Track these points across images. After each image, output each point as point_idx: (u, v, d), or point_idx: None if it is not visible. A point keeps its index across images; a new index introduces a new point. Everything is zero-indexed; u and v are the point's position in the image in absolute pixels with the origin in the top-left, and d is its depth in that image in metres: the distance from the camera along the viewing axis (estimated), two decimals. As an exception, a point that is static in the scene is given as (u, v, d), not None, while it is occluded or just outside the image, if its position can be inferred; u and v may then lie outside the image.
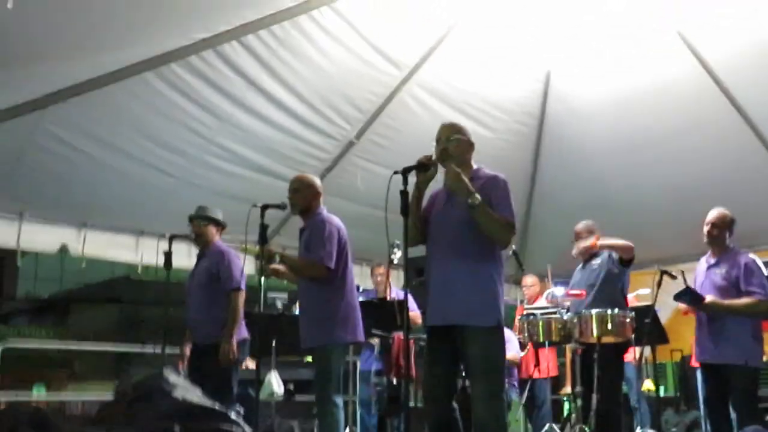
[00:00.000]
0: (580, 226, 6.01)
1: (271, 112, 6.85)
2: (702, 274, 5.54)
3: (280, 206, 4.72)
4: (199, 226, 5.53)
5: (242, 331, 5.36)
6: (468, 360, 3.82)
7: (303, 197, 4.87)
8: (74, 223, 7.08)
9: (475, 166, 4.13)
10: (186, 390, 2.74)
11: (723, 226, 5.44)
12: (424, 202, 4.09)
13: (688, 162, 7.53)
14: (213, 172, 7.05)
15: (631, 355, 6.44)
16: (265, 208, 4.60)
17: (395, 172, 3.73)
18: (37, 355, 14.14)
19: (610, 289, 5.68)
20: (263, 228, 4.54)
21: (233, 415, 2.67)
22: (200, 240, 5.54)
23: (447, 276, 3.88)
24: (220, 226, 5.60)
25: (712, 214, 5.50)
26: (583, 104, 7.70)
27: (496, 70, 7.31)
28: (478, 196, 3.78)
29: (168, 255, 5.39)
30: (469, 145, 4.13)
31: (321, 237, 4.66)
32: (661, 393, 8.47)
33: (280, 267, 4.82)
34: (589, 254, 5.93)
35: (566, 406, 7.96)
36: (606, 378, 5.49)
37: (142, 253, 7.29)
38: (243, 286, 5.41)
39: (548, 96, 7.77)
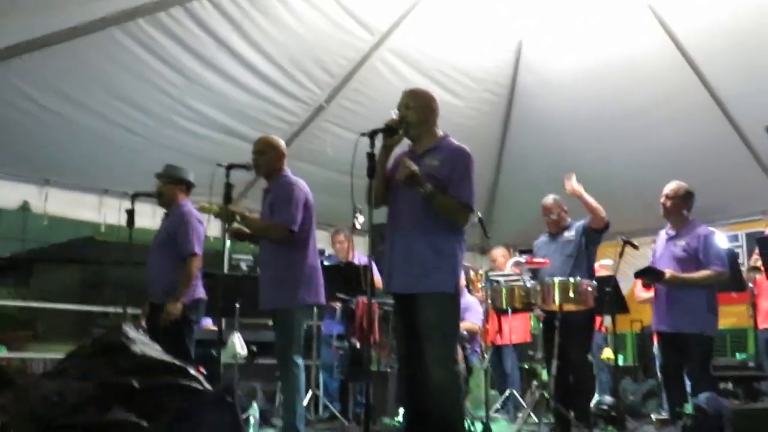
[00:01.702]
0: (549, 200, 6.03)
1: (241, 74, 6.79)
2: (662, 245, 5.62)
3: (246, 166, 4.67)
4: (164, 185, 5.44)
5: (197, 292, 5.29)
6: (425, 326, 3.84)
7: (267, 159, 4.82)
8: (37, 180, 6.96)
9: (441, 134, 4.09)
10: (145, 345, 2.73)
11: (678, 198, 5.50)
12: (390, 164, 4.07)
13: (656, 136, 7.62)
14: (180, 133, 6.97)
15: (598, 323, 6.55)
16: (230, 167, 4.55)
17: (362, 134, 3.73)
18: (-1, 317, 14.01)
19: (585, 262, 5.76)
20: (228, 188, 4.49)
21: (191, 370, 2.66)
22: (163, 199, 5.45)
23: (406, 243, 3.90)
24: (185, 186, 5.50)
25: (668, 187, 5.57)
26: (553, 75, 7.73)
27: (468, 38, 7.31)
28: (429, 186, 3.78)
29: (131, 213, 5.30)
30: (430, 112, 4.07)
31: (286, 199, 4.62)
32: (621, 362, 8.62)
33: (243, 228, 4.78)
34: (560, 227, 5.96)
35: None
36: (575, 347, 5.58)
37: (106, 212, 7.21)
38: (199, 251, 5.30)
39: (519, 66, 7.79)
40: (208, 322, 7.10)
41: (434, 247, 3.86)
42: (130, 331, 2.76)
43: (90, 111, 6.46)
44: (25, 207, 7.02)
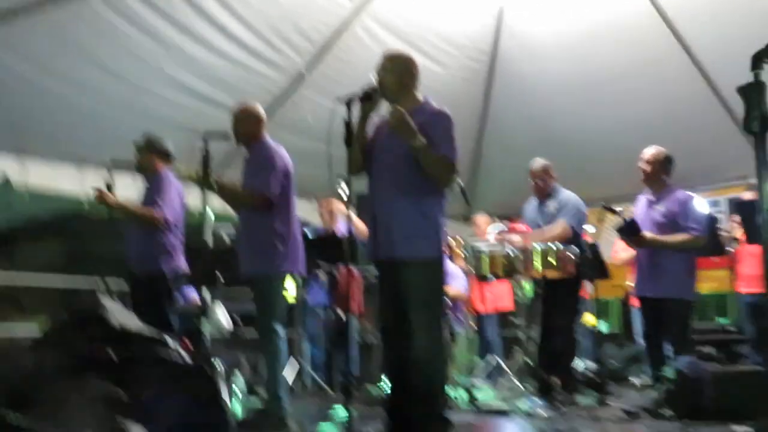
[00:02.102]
0: (536, 166, 6.04)
1: (219, 41, 6.68)
2: (642, 211, 5.64)
3: (224, 135, 4.60)
4: (143, 155, 5.38)
5: (179, 262, 5.27)
6: (409, 292, 3.83)
7: (245, 127, 4.77)
8: (15, 151, 6.86)
9: (421, 99, 4.06)
10: (122, 315, 2.72)
11: (657, 163, 5.52)
12: (369, 131, 4.04)
13: (636, 101, 7.61)
14: (157, 101, 6.85)
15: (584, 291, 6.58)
16: (207, 137, 4.49)
17: (338, 99, 3.70)
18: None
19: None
20: (206, 157, 4.44)
21: (169, 341, 2.65)
22: (143, 169, 5.40)
23: (389, 208, 3.87)
24: (164, 156, 5.43)
25: (646, 152, 5.58)
26: (535, 41, 7.68)
27: (449, 3, 7.24)
28: (421, 138, 3.75)
29: (109, 188, 5.23)
30: (409, 76, 4.04)
31: (263, 166, 4.58)
32: (605, 329, 8.69)
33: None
34: (545, 193, 5.97)
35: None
36: (561, 313, 5.63)
37: (87, 184, 7.10)
38: (169, 215, 5.24)
39: (500, 32, 7.73)
40: (195, 297, 7.08)
41: (417, 211, 3.84)
42: (107, 301, 2.74)
43: (65, 79, 6.32)
44: (4, 180, 6.93)
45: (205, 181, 4.47)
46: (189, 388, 2.53)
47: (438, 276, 3.94)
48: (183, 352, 2.67)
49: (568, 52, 7.49)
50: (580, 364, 6.54)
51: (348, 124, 3.69)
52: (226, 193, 4.68)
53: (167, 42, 6.46)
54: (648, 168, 5.52)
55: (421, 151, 3.77)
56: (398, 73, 3.99)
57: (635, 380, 6.88)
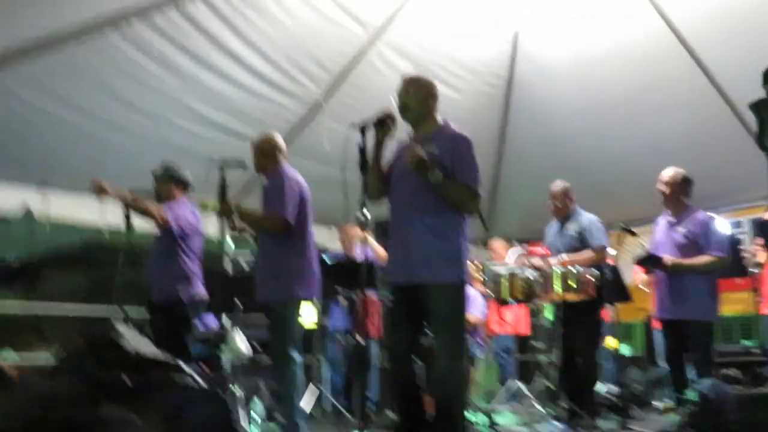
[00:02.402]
0: (556, 188, 6.04)
1: (236, 72, 6.77)
2: (662, 232, 5.60)
3: (240, 164, 4.66)
4: (161, 183, 5.44)
5: (197, 289, 5.30)
6: (431, 317, 3.81)
7: (264, 156, 4.84)
8: (37, 183, 6.95)
9: (441, 122, 4.07)
10: (136, 341, 2.73)
11: (675, 185, 5.49)
12: (388, 154, 4.05)
13: (654, 122, 7.58)
14: (177, 133, 6.95)
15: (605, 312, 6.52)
16: (224, 166, 4.54)
17: (352, 124, 3.74)
18: (5, 321, 13.96)
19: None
20: (223, 183, 4.49)
21: (184, 366, 2.66)
22: (161, 198, 5.45)
23: (409, 233, 3.86)
24: (182, 185, 5.49)
25: (665, 174, 5.56)
26: (550, 65, 7.70)
27: (464, 30, 7.29)
28: (438, 172, 3.76)
29: (128, 215, 5.29)
30: (430, 97, 4.05)
31: (280, 191, 4.63)
32: (627, 353, 8.59)
33: (244, 225, 4.81)
34: (565, 215, 5.95)
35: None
36: (581, 336, 5.58)
37: (107, 215, 7.17)
38: (180, 232, 5.30)
39: (516, 57, 7.76)
40: (214, 323, 7.10)
41: (438, 236, 3.83)
42: (121, 327, 2.76)
43: (85, 113, 6.44)
44: (26, 212, 7.03)
45: (224, 208, 4.51)
46: (204, 413, 2.53)
47: (459, 299, 3.90)
48: (198, 378, 2.67)
49: (584, 75, 7.50)
50: (602, 387, 6.47)
51: (362, 150, 3.72)
52: (245, 218, 4.71)
53: (185, 74, 6.55)
54: (667, 189, 5.49)
55: (441, 185, 3.79)
56: (420, 96, 4.02)
57: (658, 404, 6.78)
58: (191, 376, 2.64)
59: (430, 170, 3.76)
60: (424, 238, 3.83)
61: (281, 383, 4.67)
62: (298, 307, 4.73)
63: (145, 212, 5.12)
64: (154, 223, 5.17)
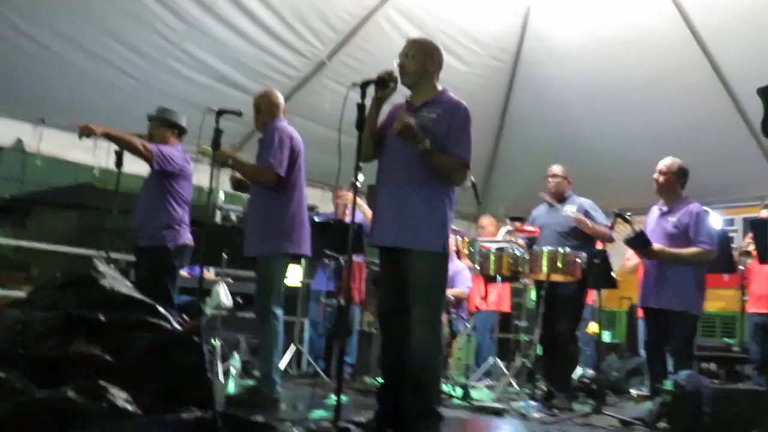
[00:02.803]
0: (556, 168, 6.01)
1: (242, 22, 6.70)
2: (654, 221, 5.58)
3: (236, 113, 4.59)
4: (155, 127, 5.37)
5: (183, 237, 5.24)
6: (410, 283, 3.79)
7: (261, 112, 4.78)
8: (32, 119, 6.90)
9: (440, 88, 3.99)
10: (115, 280, 2.70)
11: (670, 173, 5.45)
12: (382, 117, 3.99)
13: (657, 112, 7.53)
14: (177, 78, 6.87)
15: (589, 297, 6.53)
16: (220, 113, 4.48)
17: (353, 84, 3.66)
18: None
19: (579, 238, 5.72)
20: (217, 132, 4.43)
21: (161, 309, 2.63)
22: (154, 141, 5.38)
23: (396, 197, 3.81)
24: (177, 130, 5.41)
25: (661, 163, 5.52)
26: (559, 45, 7.62)
27: (475, 1, 7.19)
28: (428, 142, 3.70)
29: (119, 155, 5.21)
30: (430, 62, 3.96)
31: (271, 144, 4.57)
32: (609, 339, 8.62)
33: (238, 175, 4.77)
34: (559, 195, 5.92)
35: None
36: (563, 318, 5.59)
37: (100, 154, 7.11)
38: (166, 170, 5.17)
39: (525, 33, 7.67)
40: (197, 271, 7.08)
41: (426, 203, 3.78)
42: (101, 265, 2.73)
43: (86, 51, 6.38)
44: (18, 146, 6.97)
45: (217, 155, 4.46)
46: (177, 357, 2.51)
47: (441, 270, 3.87)
48: (174, 322, 2.65)
49: (591, 58, 7.43)
50: (579, 372, 6.49)
51: (361, 108, 3.65)
52: (238, 167, 4.66)
53: (190, 20, 6.47)
54: (661, 178, 5.46)
55: (430, 155, 3.74)
56: (420, 58, 3.93)
57: (633, 391, 6.81)
58: (167, 319, 2.61)
59: (419, 138, 3.71)
60: (412, 204, 3.78)
61: (261, 337, 4.65)
62: (285, 263, 4.68)
63: (129, 146, 5.02)
64: (142, 158, 5.07)
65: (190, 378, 2.49)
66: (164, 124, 5.35)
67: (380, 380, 4.09)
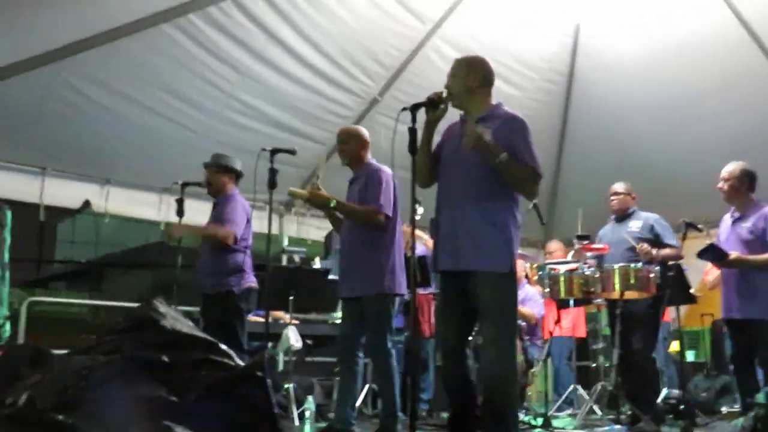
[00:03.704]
0: (618, 185, 5.85)
1: (292, 67, 6.78)
2: (727, 229, 5.36)
3: (290, 151, 4.62)
4: (213, 174, 5.41)
5: (249, 280, 5.24)
6: (479, 306, 3.65)
7: (352, 148, 4.76)
8: (97, 179, 7.08)
9: (494, 103, 3.89)
10: (176, 320, 2.68)
11: (734, 179, 5.25)
12: (437, 138, 3.91)
13: (722, 120, 7.31)
14: (232, 127, 6.98)
15: (667, 315, 6.29)
16: (274, 152, 4.51)
17: (403, 109, 3.62)
18: (69, 319, 14.34)
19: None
20: (272, 172, 4.45)
21: (222, 346, 2.60)
22: (213, 188, 5.42)
23: (459, 219, 3.68)
24: (233, 174, 5.45)
25: (724, 169, 5.32)
26: (613, 60, 7.50)
27: (523, 23, 7.16)
28: (505, 153, 3.55)
29: (180, 202, 5.26)
30: (473, 77, 3.84)
31: (379, 185, 4.53)
32: (693, 358, 8.29)
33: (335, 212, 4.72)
34: (624, 211, 5.76)
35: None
36: (637, 337, 5.38)
37: (165, 209, 7.24)
38: (238, 231, 5.18)
39: (577, 51, 7.57)
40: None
41: (490, 222, 3.64)
42: (161, 306, 2.71)
43: (143, 107, 6.54)
44: (86, 206, 7.15)
45: (319, 197, 4.47)
46: (240, 392, 2.46)
47: (510, 290, 3.71)
48: (236, 358, 2.61)
49: (647, 70, 7.28)
50: (664, 393, 6.23)
51: (413, 132, 3.59)
52: (341, 208, 4.62)
53: (241, 68, 6.58)
54: (725, 185, 5.27)
55: (506, 165, 3.58)
56: (462, 75, 3.85)
57: (725, 408, 6.49)
58: (230, 356, 2.58)
59: (495, 149, 3.57)
60: (475, 224, 3.64)
61: (378, 377, 4.61)
62: (392, 302, 4.62)
63: (208, 237, 5.14)
64: (224, 242, 5.16)
65: (256, 413, 2.44)
66: (221, 170, 5.39)
67: (450, 414, 3.96)
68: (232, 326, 5.05)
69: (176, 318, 2.71)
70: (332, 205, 4.54)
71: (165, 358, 2.52)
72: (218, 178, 5.37)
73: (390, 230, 4.60)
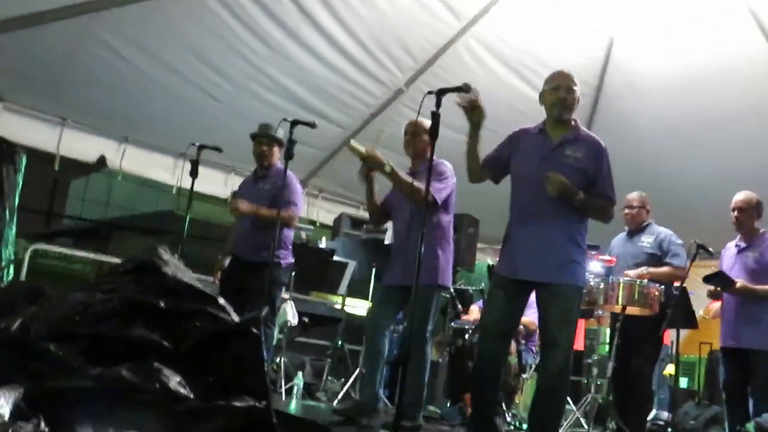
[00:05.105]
0: (634, 195, 5.82)
1: (322, 48, 6.77)
2: (731, 258, 5.35)
3: (310, 124, 4.62)
4: (268, 146, 5.41)
5: (291, 256, 5.36)
6: (551, 315, 3.80)
7: (422, 141, 4.73)
8: (115, 136, 7.11)
9: (572, 123, 4.00)
10: (177, 269, 2.69)
11: (748, 209, 5.25)
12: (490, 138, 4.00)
13: (746, 149, 7.22)
14: (256, 101, 6.99)
15: (666, 338, 6.26)
16: (294, 123, 4.52)
17: (429, 92, 3.66)
18: (72, 276, 14.38)
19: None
20: (291, 143, 4.47)
21: (221, 300, 2.60)
22: (267, 161, 5.43)
23: (545, 231, 3.81)
24: (280, 146, 5.46)
25: (737, 198, 5.31)
26: (643, 78, 7.45)
27: (557, 32, 7.12)
28: (581, 194, 3.74)
29: (194, 163, 5.24)
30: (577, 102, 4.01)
31: (440, 176, 4.58)
32: (685, 385, 8.26)
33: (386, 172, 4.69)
34: (637, 224, 5.74)
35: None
36: (636, 355, 5.37)
37: (179, 174, 7.24)
38: (299, 214, 5.39)
39: (608, 65, 7.52)
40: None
41: (573, 240, 3.83)
42: (165, 254, 2.72)
43: (171, 69, 6.55)
44: (101, 161, 7.18)
45: (376, 157, 4.50)
46: (233, 347, 2.47)
47: (579, 303, 3.95)
48: (233, 314, 2.61)
49: (676, 92, 7.23)
50: (653, 414, 6.20)
51: (435, 116, 3.63)
52: (394, 175, 4.60)
53: (273, 44, 6.58)
54: (741, 215, 5.26)
55: (582, 204, 3.77)
56: (576, 94, 3.98)
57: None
58: (226, 311, 2.58)
59: (574, 194, 3.74)
60: (563, 241, 3.81)
61: (415, 363, 4.60)
62: (440, 295, 4.75)
63: (271, 220, 5.05)
64: (286, 223, 5.24)
65: (247, 369, 2.44)
66: (273, 142, 5.39)
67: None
68: (272, 296, 5.16)
69: (178, 267, 2.72)
70: (387, 169, 4.55)
71: (162, 304, 2.52)
72: (272, 151, 5.39)
73: (446, 224, 4.71)
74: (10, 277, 6.25)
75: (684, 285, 5.51)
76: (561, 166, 3.77)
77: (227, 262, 5.48)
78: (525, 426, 5.47)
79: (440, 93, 3.67)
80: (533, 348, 6.94)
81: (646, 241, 5.61)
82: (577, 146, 3.84)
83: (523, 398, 6.44)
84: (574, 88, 3.96)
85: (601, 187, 3.84)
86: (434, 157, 4.65)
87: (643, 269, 5.43)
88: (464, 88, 3.73)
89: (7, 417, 1.92)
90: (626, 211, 5.76)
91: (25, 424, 1.94)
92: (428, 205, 4.31)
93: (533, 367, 6.27)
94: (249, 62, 6.70)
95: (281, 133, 5.34)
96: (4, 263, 6.16)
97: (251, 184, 5.58)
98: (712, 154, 7.47)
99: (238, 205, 5.23)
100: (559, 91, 3.93)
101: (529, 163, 3.92)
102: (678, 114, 7.40)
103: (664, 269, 5.46)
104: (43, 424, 1.96)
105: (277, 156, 5.45)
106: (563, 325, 3.76)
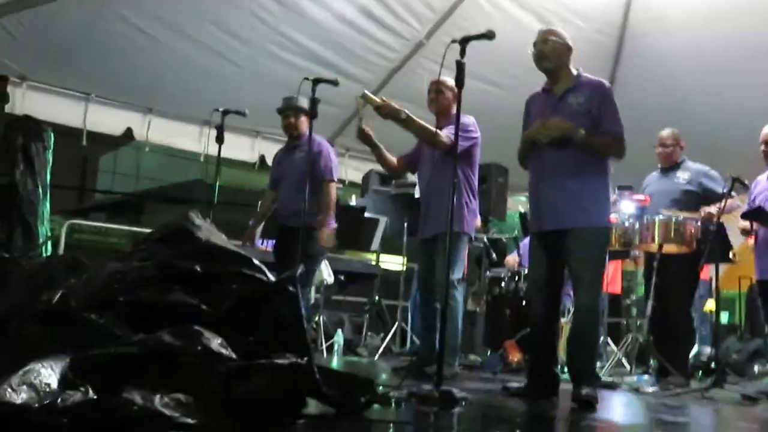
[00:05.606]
0: (667, 132, 5.72)
1: (338, 3, 6.68)
2: (763, 188, 5.23)
3: (332, 81, 4.57)
4: (295, 117, 5.39)
5: (333, 221, 5.37)
6: (576, 257, 3.85)
7: (447, 98, 4.76)
8: (140, 108, 7.13)
9: (574, 71, 4.06)
10: (210, 233, 2.70)
11: None
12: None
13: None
14: (275, 62, 6.94)
15: (705, 273, 6.20)
16: (316, 82, 4.48)
17: (453, 41, 3.61)
18: (108, 250, 14.54)
19: (694, 207, 5.45)
20: (313, 101, 4.44)
21: (256, 261, 2.61)
22: (297, 131, 5.42)
23: (559, 182, 3.89)
24: (307, 114, 5.41)
25: (766, 131, 5.17)
26: (668, 14, 7.27)
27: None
28: (581, 131, 3.79)
29: (219, 128, 5.23)
30: (567, 49, 4.04)
31: (466, 127, 4.60)
32: (726, 320, 8.20)
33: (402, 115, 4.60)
34: (672, 161, 5.65)
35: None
36: (675, 293, 5.32)
37: (204, 142, 7.27)
38: (336, 178, 5.43)
39: (632, 3, 7.34)
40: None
41: (589, 185, 3.89)
42: (197, 218, 2.73)
43: (190, 39, 6.55)
44: (128, 134, 7.21)
45: (390, 106, 4.47)
46: (271, 306, 2.48)
47: (606, 241, 4.16)
48: (269, 273, 2.62)
49: (703, 25, 7.03)
50: (695, 350, 6.17)
51: (460, 65, 3.59)
52: (413, 122, 4.60)
53: (286, 1, 6.50)
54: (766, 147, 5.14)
55: (586, 142, 3.82)
56: (559, 46, 4.00)
57: (757, 367, 6.43)
58: (262, 271, 2.59)
59: (572, 131, 3.81)
60: (577, 188, 3.87)
61: (445, 309, 4.64)
62: (464, 241, 4.82)
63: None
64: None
65: (286, 327, 2.46)
66: (301, 112, 5.36)
67: (530, 359, 4.33)
68: (314, 260, 5.22)
69: (211, 231, 2.73)
70: (403, 116, 4.55)
71: (198, 268, 2.54)
72: (299, 121, 5.37)
73: (470, 174, 4.81)
74: (49, 253, 6.37)
75: (719, 220, 5.44)
76: (567, 115, 3.87)
77: (259, 230, 5.52)
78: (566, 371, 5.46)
79: (464, 41, 3.62)
80: (570, 293, 6.92)
81: (682, 177, 5.52)
82: (578, 92, 3.94)
83: (563, 342, 6.45)
84: (550, 37, 4.01)
85: (606, 123, 3.88)
86: (464, 115, 4.68)
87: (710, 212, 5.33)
88: (488, 35, 3.68)
89: (55, 386, 1.95)
90: (660, 149, 5.67)
91: (73, 392, 1.97)
92: (454, 153, 4.31)
93: (570, 311, 6.24)
94: (264, 22, 6.65)
95: (304, 96, 5.28)
96: (41, 239, 6.27)
97: (286, 154, 5.59)
98: (742, 91, 7.29)
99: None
100: (535, 47, 4.02)
101: (538, 116, 4.02)
102: (707, 48, 7.20)
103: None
104: (91, 392, 1.99)
105: (306, 124, 5.38)
106: (588, 265, 3.85)
